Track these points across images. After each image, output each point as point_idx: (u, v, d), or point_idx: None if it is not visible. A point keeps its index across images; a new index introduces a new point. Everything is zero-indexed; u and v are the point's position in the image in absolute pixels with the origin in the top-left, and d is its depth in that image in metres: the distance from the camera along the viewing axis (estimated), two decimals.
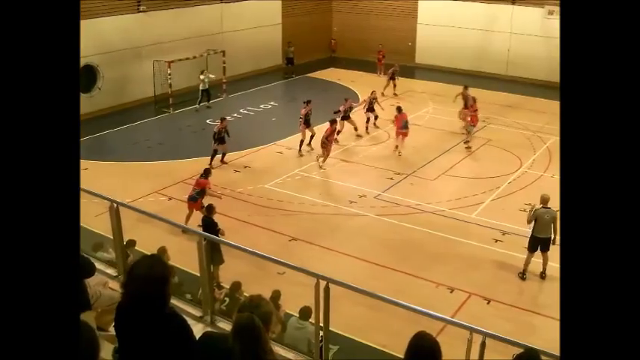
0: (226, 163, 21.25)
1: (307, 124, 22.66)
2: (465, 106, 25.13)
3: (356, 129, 24.37)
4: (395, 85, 30.68)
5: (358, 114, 25.12)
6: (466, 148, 23.16)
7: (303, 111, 22.58)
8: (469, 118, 23.78)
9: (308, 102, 22.81)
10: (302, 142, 22.61)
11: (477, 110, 23.89)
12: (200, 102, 27.86)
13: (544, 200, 14.03)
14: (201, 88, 27.67)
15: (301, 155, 22.29)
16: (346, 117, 23.97)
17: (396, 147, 22.57)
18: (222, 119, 21.53)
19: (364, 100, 25.77)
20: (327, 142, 21.10)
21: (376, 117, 25.10)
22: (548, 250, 14.02)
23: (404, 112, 22.91)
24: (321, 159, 21.34)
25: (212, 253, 12.18)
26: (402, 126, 22.42)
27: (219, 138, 20.97)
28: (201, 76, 27.57)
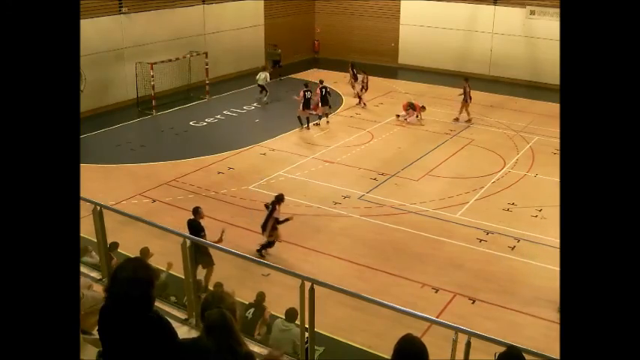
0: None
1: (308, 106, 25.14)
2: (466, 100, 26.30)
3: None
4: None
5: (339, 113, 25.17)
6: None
7: (317, 91, 25.76)
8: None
9: (306, 84, 25.74)
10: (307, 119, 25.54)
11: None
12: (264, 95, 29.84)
13: None
14: (261, 83, 29.77)
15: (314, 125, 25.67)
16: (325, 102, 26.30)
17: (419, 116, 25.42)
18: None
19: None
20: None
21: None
22: None
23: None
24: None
25: (200, 257, 12.24)
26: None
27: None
28: (262, 74, 29.79)
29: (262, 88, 29.68)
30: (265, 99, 29.58)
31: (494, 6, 33.92)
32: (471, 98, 26.16)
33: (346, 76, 31.88)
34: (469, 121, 26.24)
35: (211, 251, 12.62)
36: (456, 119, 26.33)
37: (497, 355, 5.06)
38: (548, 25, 31.20)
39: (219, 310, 3.77)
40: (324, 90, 25.82)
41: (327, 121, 26.16)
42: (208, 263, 12.90)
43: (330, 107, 26.40)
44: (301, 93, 25.17)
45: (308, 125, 25.44)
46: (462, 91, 26.16)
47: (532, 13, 32.46)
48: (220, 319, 3.73)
